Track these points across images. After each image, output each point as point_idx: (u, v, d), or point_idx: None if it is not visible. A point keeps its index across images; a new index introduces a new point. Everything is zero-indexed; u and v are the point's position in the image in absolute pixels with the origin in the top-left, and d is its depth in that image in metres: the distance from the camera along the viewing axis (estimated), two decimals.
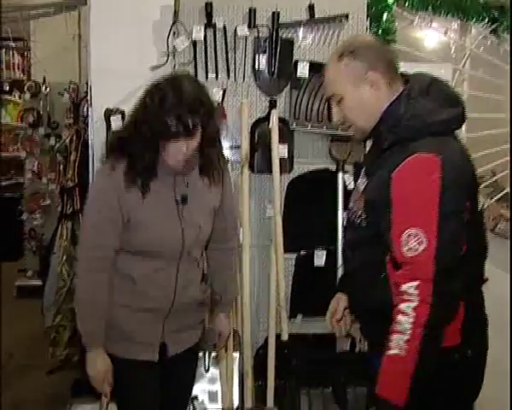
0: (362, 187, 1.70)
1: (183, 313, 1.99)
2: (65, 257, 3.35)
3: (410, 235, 1.47)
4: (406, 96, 1.59)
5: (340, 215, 2.84)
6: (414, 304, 1.45)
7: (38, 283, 5.42)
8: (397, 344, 1.46)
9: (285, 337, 2.92)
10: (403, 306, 1.46)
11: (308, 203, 2.95)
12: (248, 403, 2.88)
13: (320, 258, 2.92)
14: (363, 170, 1.76)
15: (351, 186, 2.84)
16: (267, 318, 2.97)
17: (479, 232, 1.68)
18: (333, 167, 2.96)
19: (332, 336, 2.90)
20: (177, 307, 1.95)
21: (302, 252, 3.00)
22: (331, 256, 2.90)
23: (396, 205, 1.51)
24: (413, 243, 1.46)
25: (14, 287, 5.55)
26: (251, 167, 2.93)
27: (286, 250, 2.91)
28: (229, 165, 2.85)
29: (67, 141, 3.56)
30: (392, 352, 1.48)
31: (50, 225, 5.15)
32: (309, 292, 2.99)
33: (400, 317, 1.46)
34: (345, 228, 1.89)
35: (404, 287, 1.47)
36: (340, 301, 1.95)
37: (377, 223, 1.58)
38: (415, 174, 1.50)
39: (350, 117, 1.68)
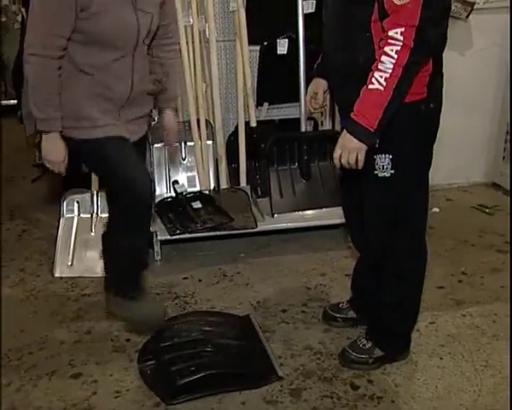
0: None
1: (136, 103, 2.14)
2: None
3: None
4: None
5: (300, 3, 2.95)
6: (397, 48, 1.67)
7: (6, 102, 5.51)
8: (377, 80, 1.70)
9: (253, 124, 3.19)
10: (387, 48, 1.68)
11: None
12: (223, 184, 3.22)
13: (282, 46, 3.09)
14: None
15: None
16: (236, 107, 3.21)
17: None
18: None
19: (296, 119, 3.22)
20: (133, 97, 2.10)
21: (265, 43, 3.17)
22: (293, 44, 3.07)
23: None
24: None
25: None
26: None
27: (250, 42, 3.07)
28: None
29: None
30: (371, 86, 1.72)
31: (10, 41, 5.10)
32: (273, 81, 3.21)
33: (384, 57, 1.69)
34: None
35: (391, 33, 1.67)
36: (319, 86, 2.17)
37: None
38: None
39: None
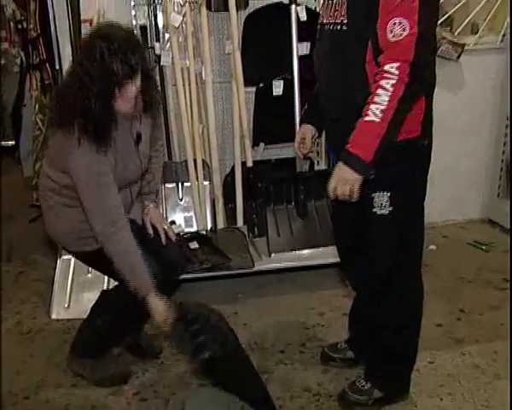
0: None
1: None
2: (37, 106, 3.43)
3: (395, 23, 1.70)
4: None
5: (295, 45, 3.01)
6: (393, 81, 1.71)
7: (5, 143, 5.56)
8: (373, 112, 1.73)
9: (250, 164, 3.21)
10: (383, 82, 1.72)
11: (264, 37, 3.12)
12: (220, 224, 3.23)
13: (278, 87, 3.14)
14: None
15: (303, 17, 3.02)
16: (232, 147, 3.24)
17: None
18: (286, 0, 3.07)
19: (292, 159, 3.26)
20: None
21: (261, 84, 3.22)
22: (288, 85, 3.12)
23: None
24: (397, 29, 1.69)
25: None
26: (208, 7, 3.04)
27: (246, 84, 3.11)
28: (187, 5, 2.99)
29: None
30: (367, 118, 1.74)
31: (9, 83, 5.17)
32: (269, 121, 3.25)
33: (380, 90, 1.72)
34: (318, 42, 2.01)
35: (386, 67, 1.72)
36: (306, 132, 2.19)
37: (359, 22, 1.77)
38: None
39: None
